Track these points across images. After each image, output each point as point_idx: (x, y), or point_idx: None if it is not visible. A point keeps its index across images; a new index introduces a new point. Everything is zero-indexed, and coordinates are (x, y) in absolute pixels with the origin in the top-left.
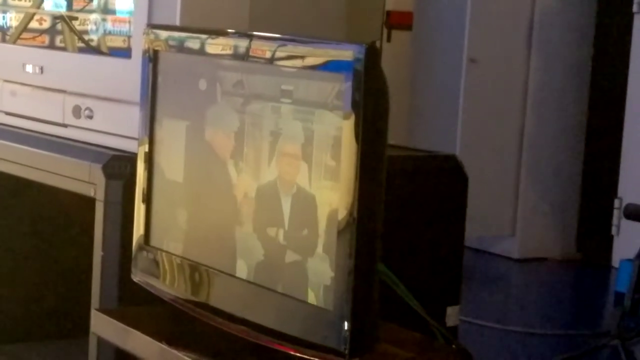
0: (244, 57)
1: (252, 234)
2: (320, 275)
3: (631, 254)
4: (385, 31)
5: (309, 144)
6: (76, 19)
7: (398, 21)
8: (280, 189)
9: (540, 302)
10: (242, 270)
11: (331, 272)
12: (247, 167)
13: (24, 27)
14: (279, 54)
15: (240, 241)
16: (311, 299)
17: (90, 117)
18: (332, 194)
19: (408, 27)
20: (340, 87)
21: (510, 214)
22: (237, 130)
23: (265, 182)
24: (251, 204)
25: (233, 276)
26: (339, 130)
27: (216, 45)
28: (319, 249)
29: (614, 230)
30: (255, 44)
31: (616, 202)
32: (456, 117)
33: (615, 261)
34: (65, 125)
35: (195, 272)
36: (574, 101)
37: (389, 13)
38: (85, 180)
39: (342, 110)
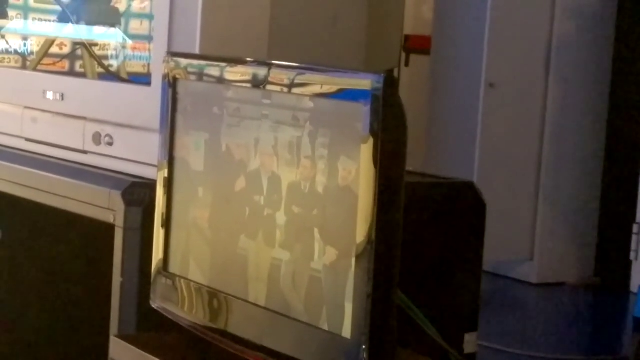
0: (263, 85)
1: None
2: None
3: None
4: (403, 55)
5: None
6: (96, 44)
7: (417, 45)
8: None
9: (559, 327)
10: (259, 296)
11: (349, 299)
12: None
13: (44, 53)
14: (297, 82)
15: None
16: (329, 326)
17: (110, 144)
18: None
19: (427, 51)
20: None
21: (528, 239)
22: (261, 156)
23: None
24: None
25: (251, 303)
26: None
27: (235, 73)
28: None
29: (632, 256)
30: (274, 72)
31: (635, 227)
32: (474, 141)
33: (634, 286)
34: (85, 152)
35: (214, 298)
36: (593, 126)
37: (407, 37)
38: (105, 206)
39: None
